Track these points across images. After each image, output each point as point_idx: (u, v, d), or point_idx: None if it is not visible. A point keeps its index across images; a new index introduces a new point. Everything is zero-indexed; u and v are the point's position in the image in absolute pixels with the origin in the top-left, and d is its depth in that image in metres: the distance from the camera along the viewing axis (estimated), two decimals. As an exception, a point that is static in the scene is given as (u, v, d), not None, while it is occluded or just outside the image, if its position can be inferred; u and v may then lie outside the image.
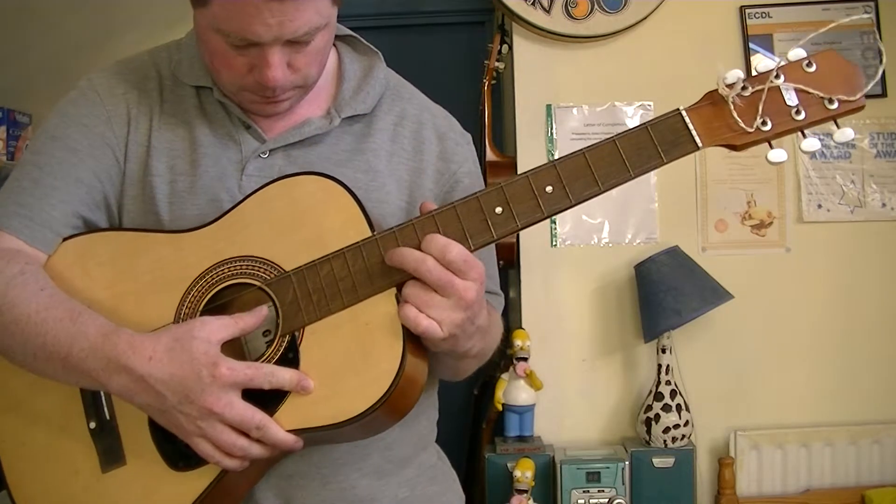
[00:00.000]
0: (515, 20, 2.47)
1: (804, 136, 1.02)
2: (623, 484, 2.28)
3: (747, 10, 2.49)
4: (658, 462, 2.31)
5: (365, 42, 1.24)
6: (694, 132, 1.00)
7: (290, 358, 1.01)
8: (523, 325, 2.47)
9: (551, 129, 2.51)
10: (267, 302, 1.03)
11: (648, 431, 2.34)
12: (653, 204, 2.49)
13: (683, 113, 1.01)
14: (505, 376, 2.41)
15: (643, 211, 2.50)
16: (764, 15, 2.49)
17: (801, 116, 1.00)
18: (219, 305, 1.05)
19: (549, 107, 2.51)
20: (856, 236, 2.49)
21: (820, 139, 1.02)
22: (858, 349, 2.49)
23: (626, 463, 2.29)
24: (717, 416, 2.47)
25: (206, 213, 1.10)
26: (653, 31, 2.49)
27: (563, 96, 2.51)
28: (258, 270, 1.04)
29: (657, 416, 2.32)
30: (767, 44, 2.48)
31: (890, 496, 2.33)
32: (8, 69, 2.95)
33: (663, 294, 2.30)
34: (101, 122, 1.14)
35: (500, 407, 2.39)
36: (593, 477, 2.28)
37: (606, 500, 2.27)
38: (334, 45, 1.22)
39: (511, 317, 2.63)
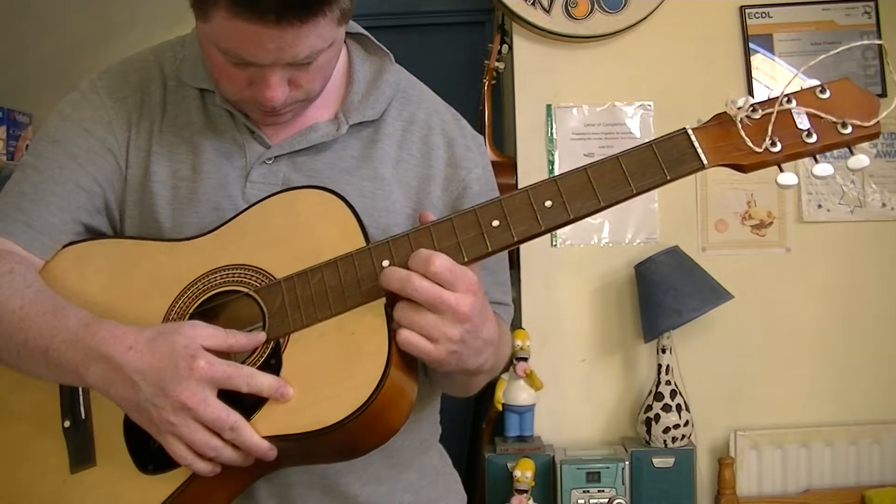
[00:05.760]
0: (515, 20, 2.47)
1: (816, 160, 0.99)
2: (623, 484, 2.28)
3: (747, 10, 2.49)
4: (658, 462, 2.31)
5: (376, 41, 1.20)
6: (700, 150, 0.97)
7: (272, 364, 0.99)
8: (523, 325, 2.47)
9: (551, 129, 2.51)
10: (256, 309, 1.01)
11: (648, 431, 2.34)
12: (653, 204, 2.49)
13: (690, 132, 0.98)
14: (505, 376, 2.41)
15: (643, 211, 2.50)
16: (764, 15, 2.49)
17: (813, 139, 0.97)
18: (208, 310, 1.04)
19: (549, 107, 2.51)
20: (856, 236, 2.49)
21: (832, 163, 0.99)
22: (858, 349, 2.49)
23: (626, 463, 2.29)
24: (717, 416, 2.47)
25: (207, 222, 1.09)
26: (653, 31, 2.49)
27: (563, 96, 2.51)
28: (250, 279, 1.03)
29: (657, 416, 2.32)
30: (767, 44, 2.48)
31: (890, 496, 2.33)
32: (8, 69, 2.95)
33: (663, 294, 2.30)
34: (102, 127, 1.13)
35: (500, 407, 2.40)
36: (593, 477, 2.28)
37: (606, 500, 2.27)
38: (344, 42, 1.18)
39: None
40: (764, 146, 0.97)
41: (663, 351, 2.36)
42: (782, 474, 2.42)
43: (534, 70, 2.51)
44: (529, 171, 2.49)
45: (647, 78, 2.51)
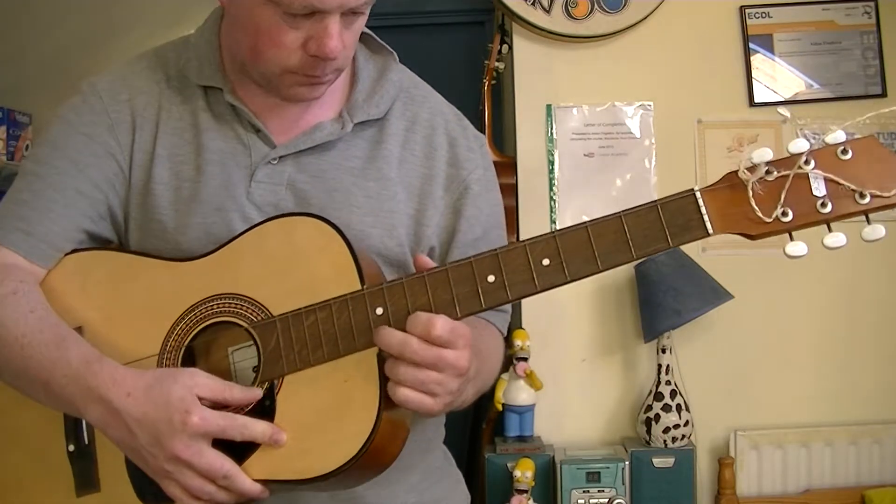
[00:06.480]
0: (515, 20, 2.47)
1: (829, 229, 0.94)
2: (623, 484, 2.27)
3: (747, 10, 2.49)
4: (658, 462, 2.31)
5: (380, 41, 1.21)
6: (706, 217, 0.93)
7: (266, 406, 1.00)
8: (523, 325, 2.47)
9: (551, 129, 2.50)
10: (246, 335, 1.02)
11: (648, 431, 2.34)
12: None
13: (698, 194, 0.94)
14: (505, 376, 2.40)
15: (643, 211, 2.49)
16: (764, 15, 2.49)
17: (828, 209, 0.93)
18: (203, 342, 1.05)
19: (549, 107, 2.51)
20: (856, 236, 2.48)
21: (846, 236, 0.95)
22: (859, 349, 2.49)
23: (626, 463, 2.29)
24: (717, 416, 2.46)
25: (210, 223, 1.09)
26: (653, 31, 2.49)
27: (563, 96, 2.51)
28: (246, 311, 1.03)
29: (657, 416, 2.32)
30: (767, 44, 2.48)
31: (890, 496, 2.33)
32: (8, 69, 2.96)
33: (663, 294, 2.30)
34: (103, 131, 1.12)
35: (500, 407, 2.39)
36: (593, 477, 2.28)
37: (606, 500, 2.27)
38: None
39: (511, 317, 2.63)
40: (774, 215, 0.93)
41: (663, 351, 2.36)
42: (782, 474, 2.42)
43: (534, 70, 2.51)
44: (529, 171, 2.49)
45: (647, 78, 2.50)
